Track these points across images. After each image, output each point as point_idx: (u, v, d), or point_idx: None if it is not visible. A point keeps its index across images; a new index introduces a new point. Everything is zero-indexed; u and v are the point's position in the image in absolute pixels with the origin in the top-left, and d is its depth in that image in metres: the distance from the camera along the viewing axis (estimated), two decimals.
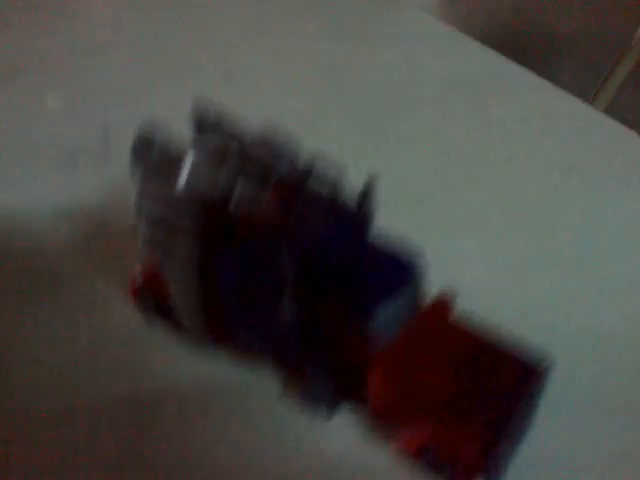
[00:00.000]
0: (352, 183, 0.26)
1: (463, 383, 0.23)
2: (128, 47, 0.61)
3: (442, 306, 0.25)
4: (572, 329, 0.32)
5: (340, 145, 0.42)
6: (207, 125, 0.28)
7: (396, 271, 0.24)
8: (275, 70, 0.58)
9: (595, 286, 0.35)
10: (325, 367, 0.25)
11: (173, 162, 0.26)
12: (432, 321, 0.25)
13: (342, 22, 0.69)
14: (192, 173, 0.25)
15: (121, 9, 0.70)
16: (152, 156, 0.26)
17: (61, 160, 0.45)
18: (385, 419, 0.24)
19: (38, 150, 0.46)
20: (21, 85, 0.54)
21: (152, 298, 0.30)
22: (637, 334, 0.32)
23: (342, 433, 0.26)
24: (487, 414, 0.23)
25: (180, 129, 0.28)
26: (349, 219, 0.25)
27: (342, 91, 0.54)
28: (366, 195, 0.25)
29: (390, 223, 0.28)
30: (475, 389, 0.23)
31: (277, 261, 0.24)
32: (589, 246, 0.38)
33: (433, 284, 0.27)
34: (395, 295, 0.23)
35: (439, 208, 0.41)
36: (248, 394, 0.28)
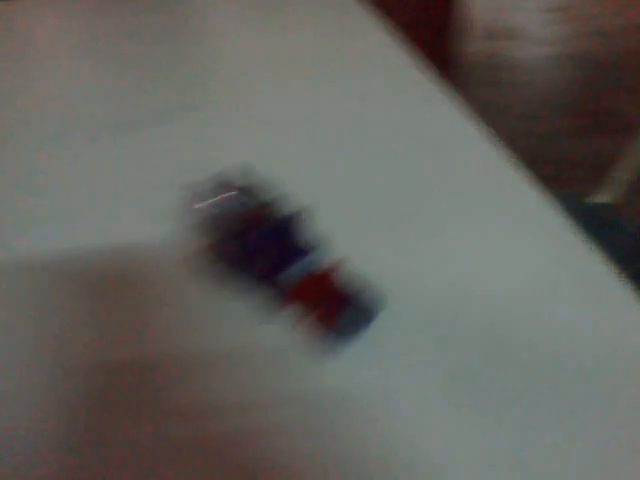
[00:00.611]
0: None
1: (327, 298, 0.51)
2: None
3: (331, 267, 0.53)
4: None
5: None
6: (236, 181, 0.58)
7: (306, 254, 0.53)
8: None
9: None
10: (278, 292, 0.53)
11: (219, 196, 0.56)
12: (322, 273, 0.52)
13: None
14: (224, 200, 0.56)
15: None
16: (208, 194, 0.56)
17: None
18: (298, 309, 0.52)
19: None
20: None
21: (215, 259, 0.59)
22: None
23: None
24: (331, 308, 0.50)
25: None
26: (285, 227, 0.54)
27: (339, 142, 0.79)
28: (297, 215, 0.54)
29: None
30: (333, 300, 0.50)
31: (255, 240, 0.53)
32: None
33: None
34: (302, 263, 0.52)
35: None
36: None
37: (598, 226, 0.65)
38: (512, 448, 0.43)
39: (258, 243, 0.51)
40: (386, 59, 1.04)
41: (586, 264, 0.60)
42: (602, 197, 1.91)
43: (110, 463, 0.42)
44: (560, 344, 0.51)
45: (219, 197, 0.55)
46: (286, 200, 0.54)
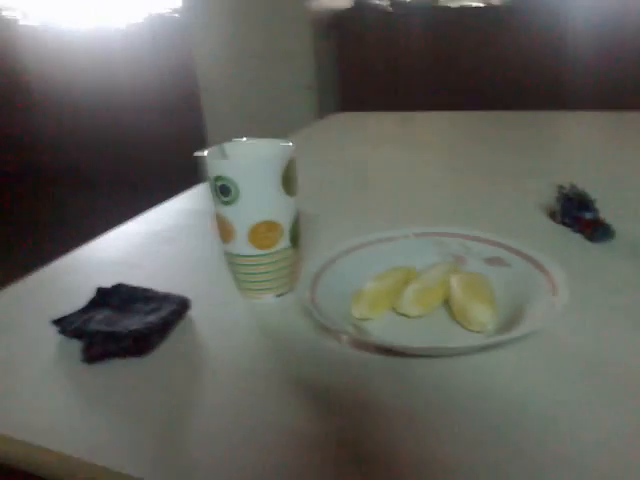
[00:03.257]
0: None
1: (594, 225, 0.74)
2: None
3: (597, 216, 0.71)
4: None
5: None
6: None
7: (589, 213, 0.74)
8: None
9: None
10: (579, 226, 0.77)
11: None
12: (594, 218, 0.75)
13: None
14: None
15: None
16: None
17: None
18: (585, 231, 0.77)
19: None
20: None
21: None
22: None
23: None
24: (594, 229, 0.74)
25: None
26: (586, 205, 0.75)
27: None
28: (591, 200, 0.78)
29: None
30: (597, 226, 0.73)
31: None
32: None
33: None
34: (586, 215, 0.72)
35: None
36: None
37: None
38: None
39: (577, 214, 0.80)
40: None
41: None
42: None
43: None
44: None
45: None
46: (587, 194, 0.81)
